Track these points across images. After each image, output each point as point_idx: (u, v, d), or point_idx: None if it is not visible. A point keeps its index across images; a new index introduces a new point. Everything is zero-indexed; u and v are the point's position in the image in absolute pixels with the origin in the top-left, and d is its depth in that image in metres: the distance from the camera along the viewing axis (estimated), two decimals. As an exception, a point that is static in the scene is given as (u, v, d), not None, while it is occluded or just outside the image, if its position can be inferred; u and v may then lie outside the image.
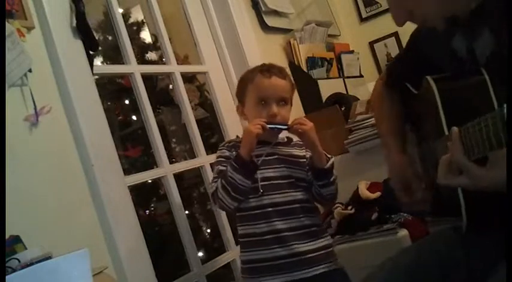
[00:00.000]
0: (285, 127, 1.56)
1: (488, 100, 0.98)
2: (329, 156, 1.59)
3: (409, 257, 1.18)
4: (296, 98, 2.49)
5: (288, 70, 1.74)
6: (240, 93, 1.67)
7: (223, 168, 1.55)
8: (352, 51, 3.31)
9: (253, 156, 1.52)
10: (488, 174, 0.90)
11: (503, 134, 0.80)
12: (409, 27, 1.33)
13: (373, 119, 2.43)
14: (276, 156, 1.60)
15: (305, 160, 1.62)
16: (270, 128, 1.53)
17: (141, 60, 2.69)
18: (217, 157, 1.63)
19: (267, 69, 1.62)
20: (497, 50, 1.01)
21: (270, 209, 1.54)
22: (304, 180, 1.60)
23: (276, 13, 2.83)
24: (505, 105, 0.79)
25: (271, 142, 1.59)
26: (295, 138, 1.67)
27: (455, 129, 0.94)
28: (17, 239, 1.28)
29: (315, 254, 1.54)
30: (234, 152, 1.57)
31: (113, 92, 2.75)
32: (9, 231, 1.27)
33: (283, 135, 1.66)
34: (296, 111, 2.30)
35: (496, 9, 1.00)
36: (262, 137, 1.53)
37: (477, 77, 1.02)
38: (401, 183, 1.28)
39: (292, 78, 1.70)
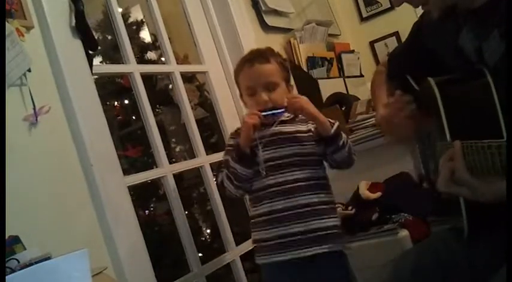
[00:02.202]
0: (281, 111, 1.58)
1: (492, 106, 0.96)
2: (333, 121, 1.59)
3: (409, 260, 1.17)
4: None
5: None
6: (236, 84, 1.72)
7: (227, 158, 1.62)
8: (352, 51, 3.31)
9: (257, 140, 1.56)
10: (490, 188, 0.90)
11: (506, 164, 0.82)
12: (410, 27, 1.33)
13: (374, 119, 2.43)
14: (280, 136, 1.61)
15: (311, 134, 1.62)
16: (265, 115, 1.56)
17: (141, 59, 2.68)
18: (226, 146, 1.69)
19: (250, 58, 1.63)
20: (507, 56, 0.98)
21: (272, 189, 1.58)
22: (314, 154, 1.61)
23: (276, 12, 2.82)
24: None
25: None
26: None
27: (458, 144, 0.94)
28: (16, 239, 1.28)
29: (314, 234, 1.54)
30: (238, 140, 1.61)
31: (113, 91, 2.75)
32: (8, 231, 1.26)
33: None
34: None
35: (507, 12, 0.97)
36: (263, 122, 1.56)
37: (481, 80, 1.00)
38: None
39: (283, 57, 1.68)
